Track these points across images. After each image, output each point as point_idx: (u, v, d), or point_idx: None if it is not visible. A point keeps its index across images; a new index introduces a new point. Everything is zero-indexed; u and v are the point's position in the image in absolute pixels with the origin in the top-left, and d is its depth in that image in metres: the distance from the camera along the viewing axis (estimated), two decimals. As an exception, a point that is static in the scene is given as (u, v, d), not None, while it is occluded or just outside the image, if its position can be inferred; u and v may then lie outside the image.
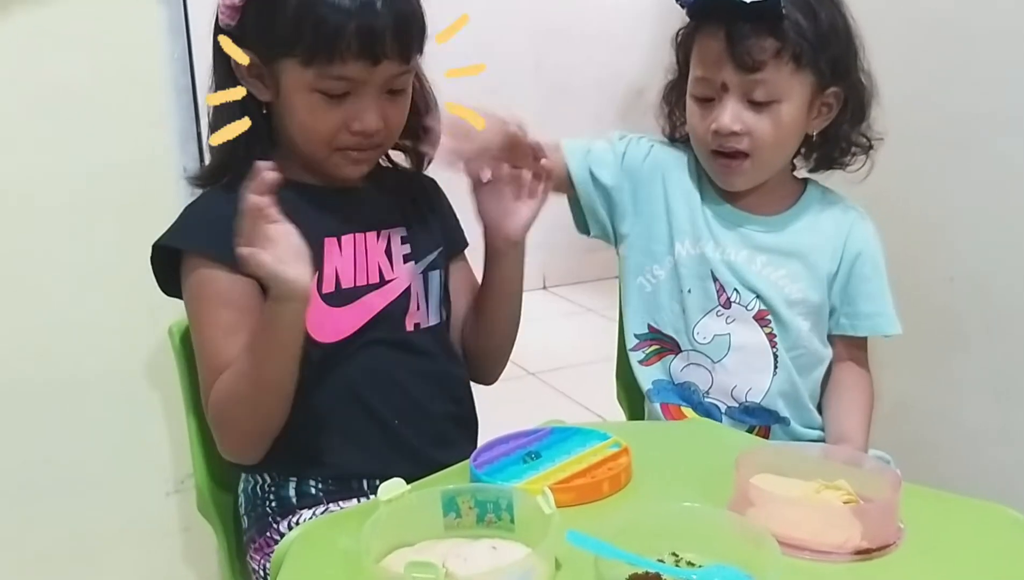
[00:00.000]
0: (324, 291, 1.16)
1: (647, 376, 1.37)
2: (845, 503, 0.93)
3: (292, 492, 1.19)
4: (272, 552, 1.16)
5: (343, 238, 1.19)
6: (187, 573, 1.63)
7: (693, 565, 0.86)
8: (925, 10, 1.67)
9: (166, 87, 1.49)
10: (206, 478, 1.28)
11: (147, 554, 1.60)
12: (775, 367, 1.30)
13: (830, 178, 1.37)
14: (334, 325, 1.17)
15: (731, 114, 1.23)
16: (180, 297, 1.19)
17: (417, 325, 1.23)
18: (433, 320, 1.25)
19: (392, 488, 0.91)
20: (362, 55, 1.10)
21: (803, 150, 1.33)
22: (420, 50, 1.16)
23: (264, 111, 1.19)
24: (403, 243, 1.24)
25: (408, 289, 1.22)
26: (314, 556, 0.93)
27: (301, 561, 0.93)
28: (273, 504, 1.20)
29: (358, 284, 1.19)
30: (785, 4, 1.20)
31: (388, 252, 1.22)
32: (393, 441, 1.18)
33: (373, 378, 1.18)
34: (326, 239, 1.18)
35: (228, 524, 1.30)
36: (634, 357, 1.39)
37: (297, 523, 1.17)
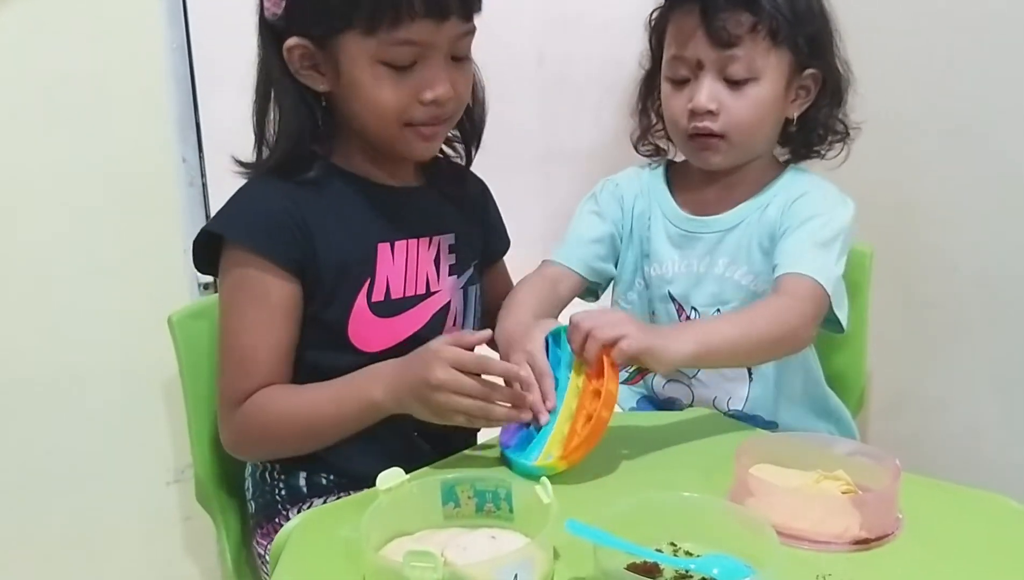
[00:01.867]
0: (374, 299, 1.15)
1: (631, 395, 1.37)
2: (844, 493, 0.94)
3: (303, 482, 1.19)
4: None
5: (396, 244, 1.17)
6: (187, 562, 1.64)
7: (691, 554, 0.86)
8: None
9: (165, 76, 1.49)
10: (205, 468, 1.28)
11: (148, 544, 1.61)
12: (749, 375, 1.29)
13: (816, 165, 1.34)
14: (378, 336, 1.16)
15: (707, 92, 1.21)
16: (211, 274, 1.18)
17: None
18: None
19: (391, 477, 0.91)
20: (428, 13, 1.05)
21: (780, 138, 1.31)
22: (479, 6, 1.12)
23: (323, 103, 1.15)
24: (450, 252, 1.22)
25: (448, 304, 1.21)
26: (314, 545, 0.93)
27: (301, 550, 0.93)
28: (283, 492, 1.19)
29: (407, 294, 1.17)
30: None
31: (436, 261, 1.21)
32: (411, 450, 1.15)
33: None
34: (380, 245, 1.16)
35: (228, 513, 1.30)
36: None
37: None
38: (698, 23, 1.20)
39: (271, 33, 1.12)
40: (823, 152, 1.31)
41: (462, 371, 1.00)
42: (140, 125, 1.48)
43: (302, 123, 1.13)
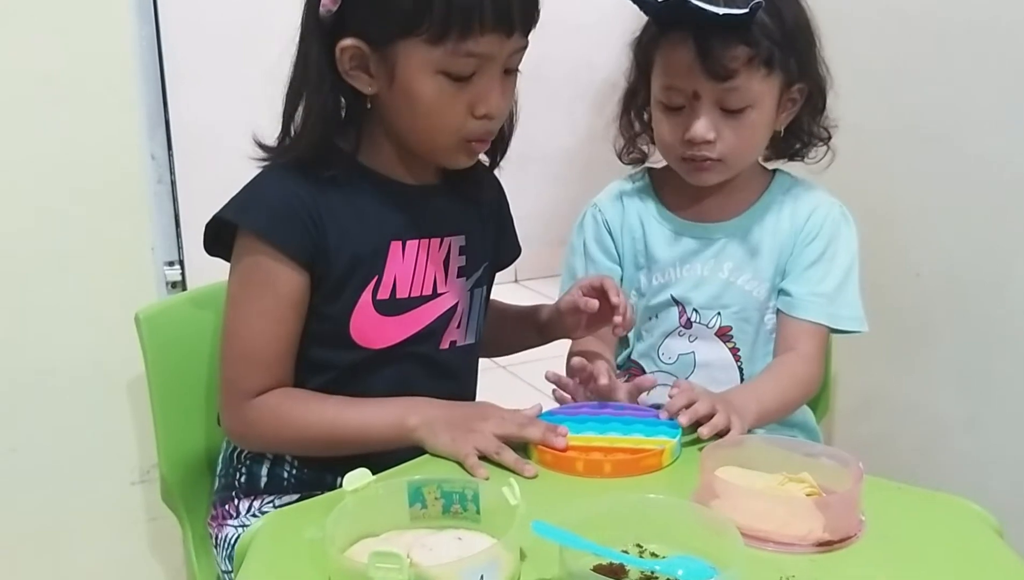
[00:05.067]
0: (379, 297, 1.14)
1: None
2: (808, 495, 0.94)
3: (264, 472, 1.18)
4: (225, 524, 1.18)
5: (408, 243, 1.16)
6: (152, 562, 1.62)
7: (657, 556, 0.86)
8: (891, 5, 1.68)
9: (134, 73, 1.48)
10: (171, 468, 1.27)
11: (113, 544, 1.60)
12: (741, 381, 1.30)
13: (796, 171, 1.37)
14: (380, 334, 1.15)
15: (705, 123, 1.21)
16: (221, 257, 1.16)
17: (453, 342, 1.21)
18: (469, 339, 1.23)
19: (357, 478, 0.91)
20: (497, 27, 1.03)
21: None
22: (536, 23, 1.09)
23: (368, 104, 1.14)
24: (460, 254, 1.21)
25: (455, 306, 1.20)
26: (279, 546, 0.93)
27: (266, 550, 0.92)
28: (242, 479, 1.19)
29: (412, 295, 1.16)
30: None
31: (446, 262, 1.19)
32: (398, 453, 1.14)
33: (396, 393, 1.15)
34: (392, 242, 1.15)
35: (193, 514, 1.29)
36: None
37: (260, 509, 1.17)
38: (692, 55, 1.18)
39: (320, 29, 1.08)
40: (804, 155, 1.33)
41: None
42: (109, 122, 1.46)
43: (330, 124, 1.11)
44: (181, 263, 1.61)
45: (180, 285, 1.62)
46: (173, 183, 1.56)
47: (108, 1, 1.44)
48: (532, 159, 3.39)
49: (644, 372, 1.34)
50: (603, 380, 1.17)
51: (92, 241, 1.48)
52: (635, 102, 1.33)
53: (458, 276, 1.21)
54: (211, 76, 1.99)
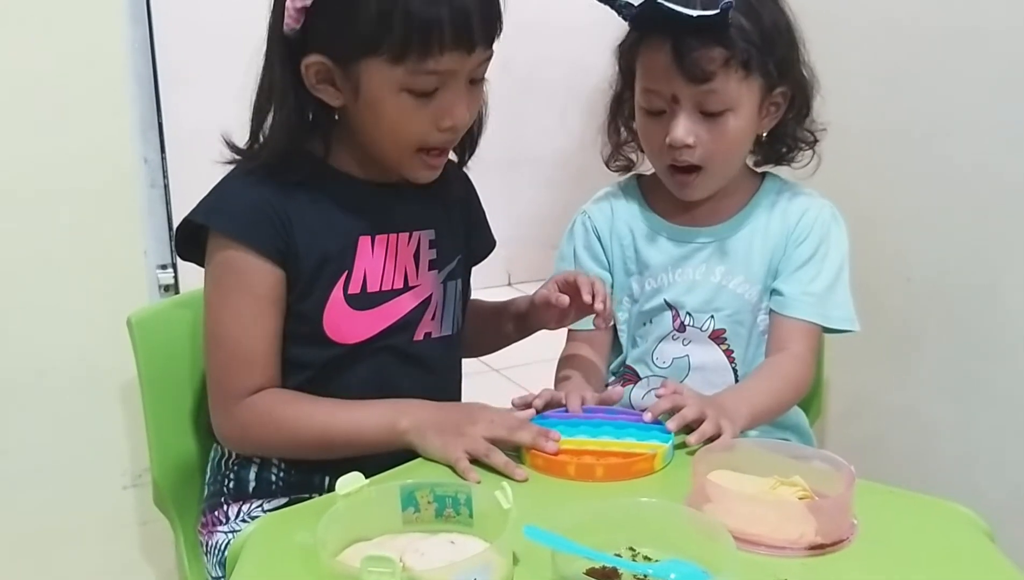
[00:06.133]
0: (350, 292, 1.15)
1: None
2: (800, 499, 0.95)
3: (252, 476, 1.19)
4: (216, 531, 1.18)
5: (377, 238, 1.17)
6: (144, 566, 1.62)
7: (650, 560, 0.87)
8: (881, 10, 1.69)
9: (127, 76, 1.48)
10: (163, 472, 1.27)
11: (104, 548, 1.59)
12: (736, 383, 1.30)
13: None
14: (352, 328, 1.16)
15: (684, 127, 1.21)
16: (195, 262, 1.17)
17: (428, 334, 1.21)
18: (445, 331, 1.23)
19: (350, 482, 0.91)
20: (457, 45, 1.04)
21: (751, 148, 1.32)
22: (500, 33, 1.10)
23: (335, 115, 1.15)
24: (430, 247, 1.21)
25: (429, 298, 1.21)
26: (271, 550, 0.93)
27: (258, 555, 0.92)
28: (231, 485, 1.19)
29: (383, 289, 1.17)
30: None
31: (416, 256, 1.20)
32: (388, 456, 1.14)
33: (374, 388, 1.16)
34: (361, 238, 1.16)
35: (185, 518, 1.29)
36: None
37: (249, 513, 1.17)
38: (670, 59, 1.18)
39: (285, 46, 1.09)
40: (791, 160, 1.33)
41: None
42: (101, 125, 1.46)
43: (296, 133, 1.12)
44: (174, 267, 1.61)
45: (173, 289, 1.61)
46: (166, 187, 1.55)
47: (101, 3, 1.44)
48: (525, 162, 3.39)
49: (639, 377, 1.35)
50: (573, 406, 1.17)
51: (85, 244, 1.47)
52: (621, 109, 1.33)
53: (430, 269, 1.21)
54: (205, 79, 1.99)
